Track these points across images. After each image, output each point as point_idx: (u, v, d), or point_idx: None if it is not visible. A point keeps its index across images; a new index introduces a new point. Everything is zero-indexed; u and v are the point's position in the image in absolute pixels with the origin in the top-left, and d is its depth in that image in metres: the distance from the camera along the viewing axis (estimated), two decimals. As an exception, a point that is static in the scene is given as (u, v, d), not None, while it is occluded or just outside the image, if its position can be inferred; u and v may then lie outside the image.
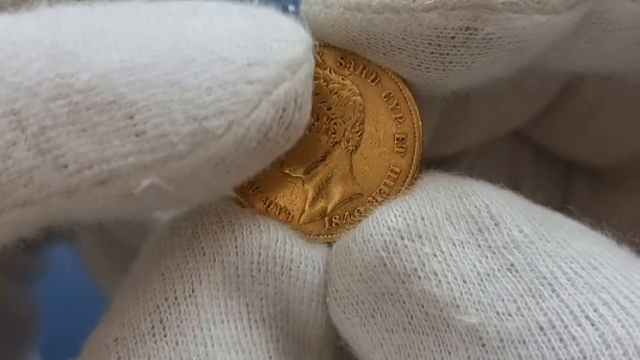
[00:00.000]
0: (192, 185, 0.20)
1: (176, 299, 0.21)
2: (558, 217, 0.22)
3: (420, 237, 0.21)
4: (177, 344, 0.20)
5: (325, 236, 0.23)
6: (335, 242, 0.23)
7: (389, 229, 0.21)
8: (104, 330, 0.22)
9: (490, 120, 0.29)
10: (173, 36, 0.19)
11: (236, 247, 0.22)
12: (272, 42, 0.20)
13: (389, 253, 0.21)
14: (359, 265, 0.21)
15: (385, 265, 0.21)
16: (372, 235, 0.21)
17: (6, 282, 0.35)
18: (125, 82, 0.19)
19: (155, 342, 0.21)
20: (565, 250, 0.21)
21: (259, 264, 0.22)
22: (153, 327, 0.21)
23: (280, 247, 0.22)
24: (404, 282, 0.20)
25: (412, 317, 0.20)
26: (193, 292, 0.21)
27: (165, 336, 0.21)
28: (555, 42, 0.22)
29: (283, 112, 0.20)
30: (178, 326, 0.21)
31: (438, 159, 0.29)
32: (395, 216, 0.21)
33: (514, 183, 0.32)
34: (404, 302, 0.21)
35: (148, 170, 0.19)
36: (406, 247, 0.21)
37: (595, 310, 0.19)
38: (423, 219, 0.21)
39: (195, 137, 0.19)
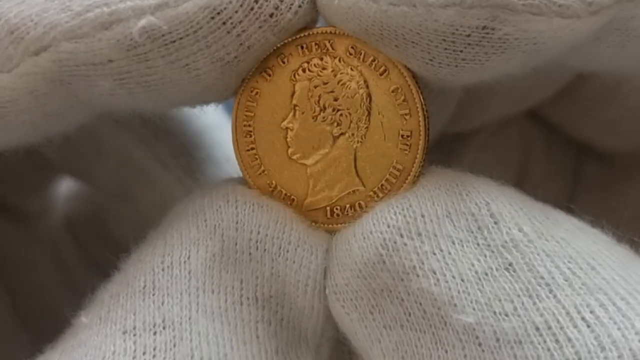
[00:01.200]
0: (192, 40, 0.21)
1: (171, 263, 0.22)
2: (558, 215, 0.22)
3: (419, 234, 0.21)
4: (162, 303, 0.21)
5: (326, 225, 0.23)
6: (335, 232, 0.23)
7: (388, 226, 0.21)
8: (104, 288, 0.23)
9: (510, 99, 0.29)
10: None
11: (237, 223, 0.22)
12: None
13: (387, 250, 0.21)
14: (358, 262, 0.21)
15: (384, 262, 0.21)
16: (371, 232, 0.21)
17: None
18: None
19: (143, 300, 0.21)
20: (563, 249, 0.21)
21: (257, 241, 0.22)
22: (145, 286, 0.22)
23: (279, 228, 0.22)
24: (402, 280, 0.21)
25: (409, 315, 0.21)
26: (189, 258, 0.22)
27: (153, 295, 0.21)
28: (575, 45, 0.22)
29: None
30: (167, 287, 0.21)
31: (454, 135, 0.29)
32: (395, 213, 0.21)
33: (524, 166, 0.32)
34: (402, 299, 0.21)
35: (145, 13, 0.20)
36: (405, 244, 0.21)
37: (591, 312, 0.19)
38: (423, 216, 0.21)
39: None
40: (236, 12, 0.21)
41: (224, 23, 0.21)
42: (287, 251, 0.22)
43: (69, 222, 0.36)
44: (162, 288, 0.21)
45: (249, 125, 0.23)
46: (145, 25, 0.20)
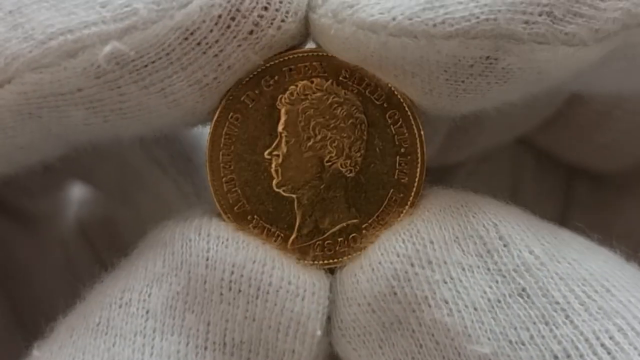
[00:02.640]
0: (166, 63, 0.20)
1: (130, 300, 0.21)
2: (566, 234, 0.22)
3: (430, 262, 0.20)
4: (114, 344, 0.20)
5: (318, 262, 0.22)
6: (328, 268, 0.22)
7: (398, 256, 0.20)
8: (64, 318, 0.22)
9: (499, 130, 0.28)
10: None
11: (207, 260, 0.21)
12: None
13: (399, 281, 0.20)
14: (367, 295, 0.20)
15: (395, 294, 0.20)
16: (380, 263, 0.20)
17: None
18: None
19: (95, 338, 0.20)
20: (576, 271, 0.20)
21: (230, 282, 0.20)
22: (99, 323, 0.20)
23: (257, 268, 0.20)
24: (414, 311, 0.20)
25: (421, 347, 0.20)
26: (149, 296, 0.21)
27: (106, 334, 0.20)
28: (579, 72, 0.21)
29: None
30: (121, 327, 0.20)
31: (440, 166, 0.29)
32: (404, 241, 0.20)
33: (514, 190, 0.31)
34: (413, 331, 0.20)
35: (111, 38, 0.19)
36: (416, 274, 0.20)
37: (610, 338, 0.19)
38: (432, 242, 0.20)
39: (159, 4, 0.19)
40: (211, 31, 0.19)
41: (198, 44, 0.19)
42: (267, 293, 0.20)
43: (81, 226, 0.34)
44: (115, 327, 0.20)
45: (228, 155, 0.21)
46: (111, 51, 0.19)
